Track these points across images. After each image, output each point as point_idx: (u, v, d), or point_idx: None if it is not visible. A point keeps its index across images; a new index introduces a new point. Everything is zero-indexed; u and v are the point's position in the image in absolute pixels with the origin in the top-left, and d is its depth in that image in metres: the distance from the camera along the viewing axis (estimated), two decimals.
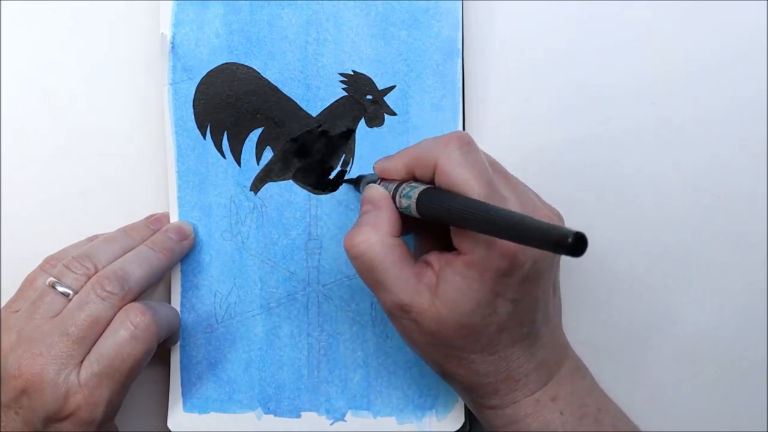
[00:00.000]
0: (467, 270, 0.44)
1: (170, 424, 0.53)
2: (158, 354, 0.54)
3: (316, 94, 0.52)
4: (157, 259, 0.50)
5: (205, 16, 0.51)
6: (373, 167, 0.48)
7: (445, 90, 0.52)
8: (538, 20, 0.52)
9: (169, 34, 0.51)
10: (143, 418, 0.55)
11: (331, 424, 0.53)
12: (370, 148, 0.52)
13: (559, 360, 0.48)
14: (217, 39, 0.52)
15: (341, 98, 0.52)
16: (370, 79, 0.52)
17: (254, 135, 0.52)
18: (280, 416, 0.53)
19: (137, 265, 0.49)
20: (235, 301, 0.53)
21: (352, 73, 0.52)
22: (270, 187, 0.52)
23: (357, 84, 0.52)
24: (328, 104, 0.52)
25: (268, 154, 0.52)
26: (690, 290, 0.53)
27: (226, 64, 0.52)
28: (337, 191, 0.52)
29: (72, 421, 0.47)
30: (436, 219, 0.44)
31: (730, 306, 0.53)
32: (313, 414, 0.53)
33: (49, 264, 0.50)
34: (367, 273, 0.46)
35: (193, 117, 0.52)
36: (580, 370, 0.49)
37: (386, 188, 0.47)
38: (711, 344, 0.54)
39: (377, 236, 0.45)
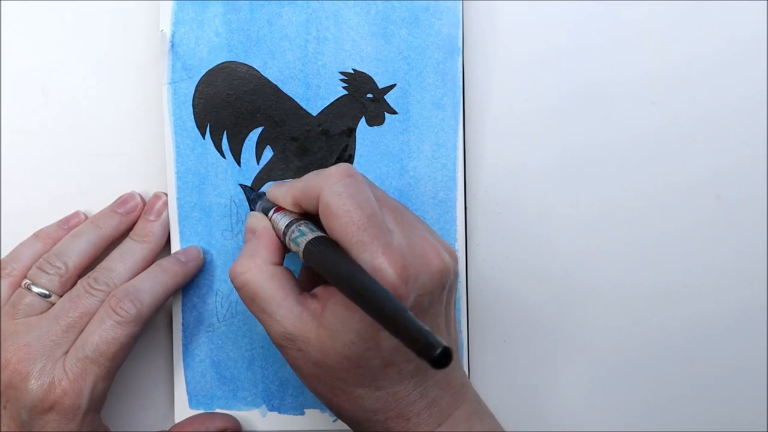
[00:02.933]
0: (349, 301, 0.43)
1: (177, 421, 0.53)
2: (160, 353, 0.54)
3: (317, 93, 0.52)
4: (143, 250, 0.51)
5: (205, 15, 0.51)
6: (266, 193, 0.49)
7: (446, 88, 0.51)
8: (539, 19, 0.52)
9: (168, 33, 0.51)
10: (147, 418, 0.55)
11: (334, 420, 0.53)
12: (371, 147, 0.52)
13: (455, 401, 0.46)
14: (217, 38, 0.51)
15: (341, 97, 0.52)
16: (370, 78, 0.52)
17: (254, 134, 0.52)
18: (284, 413, 0.53)
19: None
20: (236, 300, 0.53)
21: (352, 71, 0.52)
22: None
23: (357, 83, 0.52)
24: (328, 103, 0.52)
25: (268, 154, 0.52)
26: (690, 290, 0.54)
27: (225, 63, 0.52)
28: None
29: (57, 411, 0.47)
30: (321, 274, 0.44)
31: (731, 306, 0.54)
32: (317, 411, 0.53)
33: (5, 270, 0.51)
34: (250, 303, 0.46)
35: (192, 116, 0.52)
36: (479, 412, 0.47)
37: (279, 220, 0.47)
38: (711, 344, 0.54)
39: (256, 266, 0.46)
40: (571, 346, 0.54)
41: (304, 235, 0.45)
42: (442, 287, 0.45)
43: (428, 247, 0.45)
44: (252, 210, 0.51)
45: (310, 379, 0.46)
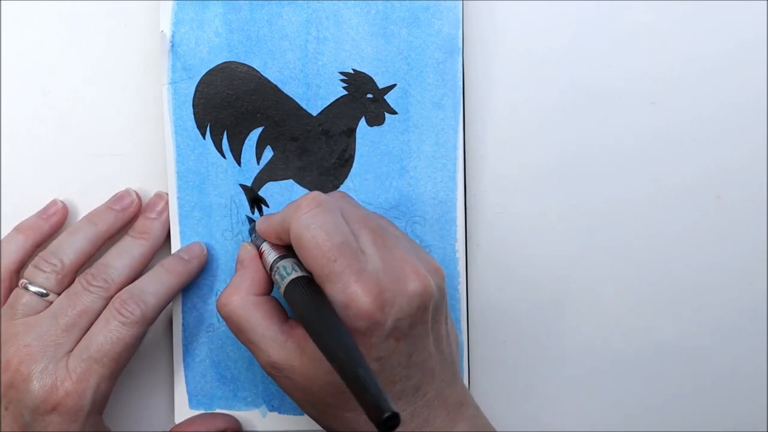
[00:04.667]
0: None
1: (178, 422, 0.53)
2: (160, 353, 0.54)
3: (317, 93, 0.52)
4: (141, 249, 0.51)
5: (205, 15, 0.51)
6: (255, 227, 0.49)
7: (446, 88, 0.51)
8: (539, 18, 0.52)
9: (168, 33, 0.51)
10: (147, 419, 0.55)
11: None
12: (371, 147, 0.52)
13: (451, 419, 0.46)
14: (217, 38, 0.51)
15: (341, 97, 0.52)
16: (370, 78, 0.52)
17: (254, 134, 0.52)
18: (284, 413, 0.53)
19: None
20: None
21: (352, 71, 0.52)
22: (270, 187, 0.52)
23: (357, 83, 0.52)
24: (328, 103, 0.52)
25: (268, 154, 0.52)
26: (690, 290, 0.54)
27: (225, 63, 0.52)
28: (338, 190, 0.52)
29: (60, 412, 0.47)
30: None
31: (731, 306, 0.54)
32: None
33: None
34: (237, 333, 0.47)
35: (192, 116, 0.52)
36: (477, 428, 0.47)
37: (269, 254, 0.48)
38: (711, 344, 0.54)
39: (239, 296, 0.46)
40: (571, 346, 0.54)
41: (285, 276, 0.45)
42: (424, 308, 0.45)
43: (408, 267, 0.45)
44: (252, 211, 0.52)
45: (302, 404, 0.47)
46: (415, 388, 0.45)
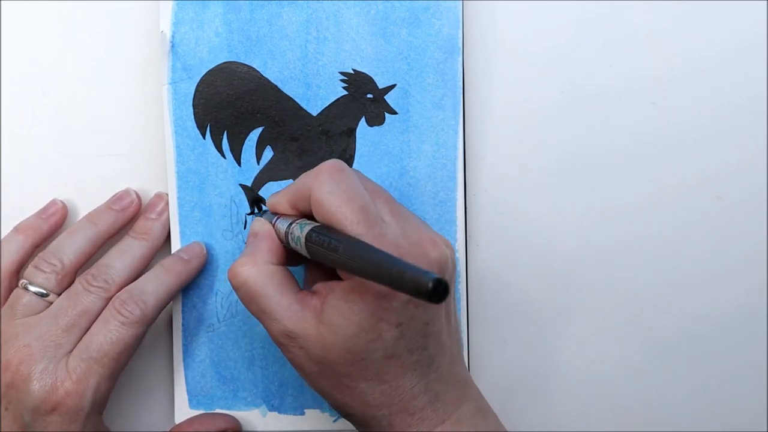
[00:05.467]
0: (348, 294, 0.43)
1: (178, 422, 0.53)
2: (160, 353, 0.54)
3: (317, 93, 0.52)
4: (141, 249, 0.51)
5: (205, 15, 0.51)
6: (266, 202, 0.49)
7: (446, 88, 0.52)
8: (539, 19, 0.52)
9: (168, 33, 0.51)
10: (147, 419, 0.55)
11: (335, 420, 0.53)
12: (371, 147, 0.52)
13: (459, 397, 0.46)
14: (217, 38, 0.51)
15: (342, 97, 0.52)
16: (370, 78, 0.52)
17: (254, 134, 0.52)
18: (284, 413, 0.53)
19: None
20: (237, 300, 0.52)
21: (352, 71, 0.52)
22: (270, 187, 0.52)
23: (357, 83, 0.52)
24: (328, 103, 0.52)
25: (268, 154, 0.52)
26: (690, 290, 0.54)
27: (225, 63, 0.52)
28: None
29: (59, 412, 0.47)
30: (323, 262, 0.44)
31: (731, 306, 0.54)
32: (317, 411, 0.53)
33: None
34: (249, 302, 0.46)
35: (192, 116, 0.52)
36: (483, 410, 0.47)
37: (281, 224, 0.47)
38: (711, 344, 0.54)
39: (255, 265, 0.46)
40: (571, 346, 0.54)
41: (304, 227, 0.45)
42: (441, 275, 0.45)
43: (424, 237, 0.45)
44: (251, 211, 0.52)
45: (313, 377, 0.46)
46: (430, 359, 0.45)
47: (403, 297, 0.43)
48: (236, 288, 0.46)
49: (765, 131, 0.52)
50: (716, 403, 0.54)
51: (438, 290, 0.37)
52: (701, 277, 0.53)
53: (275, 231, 0.48)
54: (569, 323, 0.53)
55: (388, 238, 0.43)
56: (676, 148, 0.53)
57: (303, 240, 0.45)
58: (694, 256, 0.53)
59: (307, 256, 0.45)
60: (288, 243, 0.47)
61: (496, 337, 0.54)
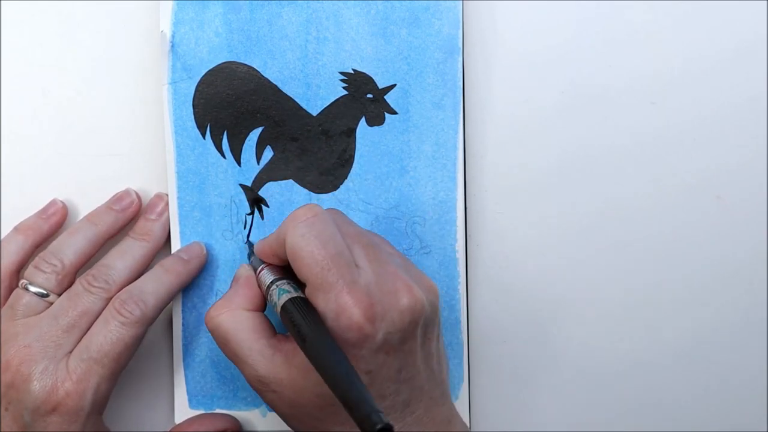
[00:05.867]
0: None
1: (178, 422, 0.53)
2: (160, 353, 0.54)
3: (317, 93, 0.52)
4: (142, 248, 0.51)
5: (205, 15, 0.51)
6: (253, 249, 0.49)
7: (446, 88, 0.51)
8: (539, 19, 0.52)
9: (168, 33, 0.51)
10: (147, 419, 0.55)
11: None
12: (371, 148, 0.52)
13: None
14: (217, 38, 0.51)
15: (341, 97, 0.52)
16: (370, 78, 0.52)
17: (254, 134, 0.52)
18: None
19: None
20: None
21: (352, 71, 0.52)
22: (270, 187, 0.52)
23: (357, 83, 0.52)
24: (328, 103, 0.52)
25: (268, 154, 0.52)
26: (690, 290, 0.54)
27: (225, 63, 0.52)
28: (338, 190, 0.52)
29: (60, 413, 0.47)
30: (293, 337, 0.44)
31: (731, 306, 0.54)
32: None
33: None
34: (223, 346, 0.47)
35: (192, 116, 0.52)
36: None
37: (265, 277, 0.48)
38: (711, 344, 0.54)
39: (229, 310, 0.47)
40: (571, 346, 0.54)
41: (279, 298, 0.45)
42: (415, 324, 0.45)
43: (399, 283, 0.45)
44: (251, 211, 0.52)
45: (289, 419, 0.47)
46: (404, 404, 0.45)
47: (373, 345, 0.43)
48: (211, 331, 0.47)
49: (765, 131, 0.52)
50: (716, 403, 0.54)
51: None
52: (701, 277, 0.53)
53: (259, 280, 0.48)
54: (569, 323, 0.53)
55: (360, 286, 0.44)
56: (676, 148, 0.53)
57: (279, 307, 0.45)
58: (695, 256, 0.53)
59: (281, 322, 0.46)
60: (267, 296, 0.47)
61: (496, 337, 0.54)
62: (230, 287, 0.49)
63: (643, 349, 0.54)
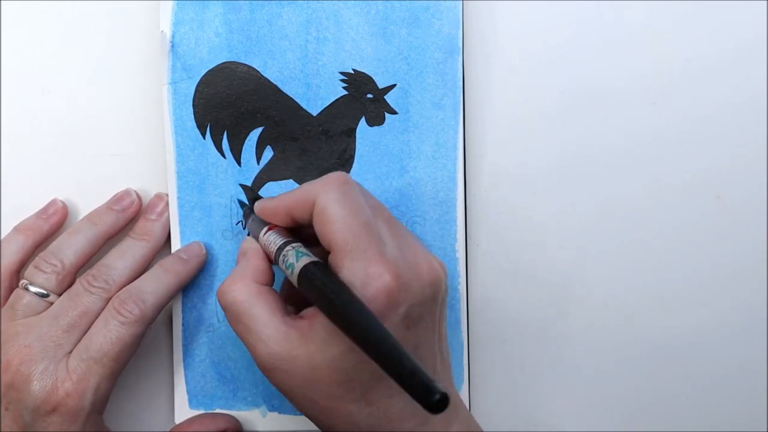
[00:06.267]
0: None
1: (178, 422, 0.53)
2: (160, 353, 0.54)
3: (317, 93, 0.52)
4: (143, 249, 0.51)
5: (205, 15, 0.51)
6: (254, 208, 0.48)
7: (446, 88, 0.52)
8: (539, 19, 0.52)
9: (168, 33, 0.51)
10: (147, 419, 0.55)
11: None
12: (371, 147, 0.52)
13: (447, 418, 0.46)
14: (217, 38, 0.51)
15: (341, 97, 0.52)
16: (370, 78, 0.52)
17: (254, 134, 0.52)
18: (284, 413, 0.53)
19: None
20: None
21: (352, 71, 0.52)
22: (270, 187, 0.52)
23: (357, 83, 0.52)
24: (328, 103, 0.52)
25: (268, 154, 0.52)
26: (690, 290, 0.54)
27: (225, 63, 0.52)
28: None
29: (60, 413, 0.47)
30: (313, 302, 0.43)
31: (731, 306, 0.54)
32: None
33: None
34: (235, 323, 0.45)
35: (192, 116, 0.52)
36: (471, 428, 0.47)
37: (272, 238, 0.47)
38: (711, 344, 0.54)
39: (242, 284, 0.45)
40: (571, 346, 0.54)
41: (298, 260, 0.44)
42: (434, 299, 0.45)
43: (421, 258, 0.45)
44: (243, 213, 0.51)
45: (300, 401, 0.45)
46: None
47: (397, 317, 0.43)
48: (224, 307, 0.46)
49: (765, 131, 0.52)
50: (716, 403, 0.54)
51: (442, 403, 0.35)
52: (701, 277, 0.53)
53: (262, 244, 0.47)
54: (569, 323, 0.53)
55: (387, 257, 0.43)
56: (676, 148, 0.53)
57: (296, 272, 0.44)
58: (694, 256, 0.53)
59: (296, 285, 0.44)
60: (276, 262, 0.46)
61: (496, 337, 0.54)
62: (237, 262, 0.48)
63: (643, 348, 0.54)
